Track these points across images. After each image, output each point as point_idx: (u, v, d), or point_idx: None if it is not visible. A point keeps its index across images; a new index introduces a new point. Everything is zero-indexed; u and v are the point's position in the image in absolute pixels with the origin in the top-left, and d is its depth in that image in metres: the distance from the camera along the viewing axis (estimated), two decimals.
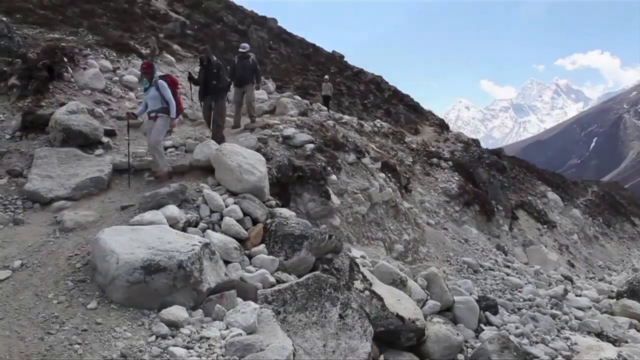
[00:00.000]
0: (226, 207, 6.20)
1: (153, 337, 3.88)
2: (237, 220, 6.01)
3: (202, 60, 9.01)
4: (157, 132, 6.98)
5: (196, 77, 9.31)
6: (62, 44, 11.06)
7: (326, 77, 21.14)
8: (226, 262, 5.29)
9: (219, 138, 8.47)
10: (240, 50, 10.57)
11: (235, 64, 10.32)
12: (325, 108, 16.74)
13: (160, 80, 7.00)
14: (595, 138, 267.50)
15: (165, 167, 7.01)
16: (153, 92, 6.97)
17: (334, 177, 9.80)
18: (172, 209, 5.71)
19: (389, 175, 12.39)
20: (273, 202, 7.09)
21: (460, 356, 6.76)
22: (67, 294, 4.31)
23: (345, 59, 32.72)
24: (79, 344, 3.69)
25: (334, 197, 9.26)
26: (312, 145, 9.68)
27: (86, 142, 7.82)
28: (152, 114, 7.03)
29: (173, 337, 3.92)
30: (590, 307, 10.63)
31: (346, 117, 16.03)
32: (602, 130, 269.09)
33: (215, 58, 9.09)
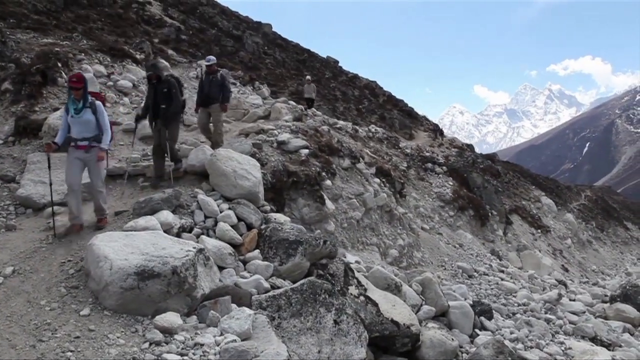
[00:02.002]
0: (221, 212, 6.18)
1: (147, 344, 3.85)
2: (232, 226, 5.99)
3: (149, 78, 7.47)
4: (98, 171, 5.76)
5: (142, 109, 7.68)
6: (56, 49, 11.05)
7: (308, 77, 19.07)
8: (220, 268, 5.27)
9: (160, 172, 7.22)
10: (205, 63, 9.19)
11: (202, 80, 9.04)
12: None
13: (98, 102, 5.74)
14: (588, 143, 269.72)
15: (106, 212, 5.87)
16: (88, 116, 5.61)
17: (328, 182, 9.81)
18: (167, 215, 5.69)
19: (384, 180, 12.41)
20: (268, 208, 7.08)
21: None
22: (59, 300, 4.27)
23: (339, 64, 32.85)
24: (71, 351, 3.65)
25: (328, 203, 9.26)
26: (306, 151, 9.69)
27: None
28: (83, 143, 5.62)
29: (167, 343, 3.89)
30: (584, 312, 10.67)
31: (341, 122, 16.06)
32: (595, 135, 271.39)
33: (167, 74, 7.83)
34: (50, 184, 5.85)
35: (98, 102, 5.72)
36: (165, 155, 7.28)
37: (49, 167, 5.77)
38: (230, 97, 9.45)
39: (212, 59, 9.06)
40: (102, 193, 5.78)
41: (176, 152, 7.69)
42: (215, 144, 8.58)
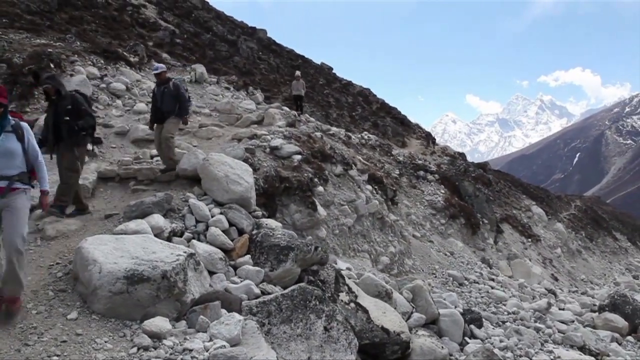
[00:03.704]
0: (212, 217, 6.15)
1: (135, 349, 3.81)
2: (223, 231, 5.97)
3: (47, 92, 6.11)
4: (19, 222, 3.95)
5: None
6: (49, 50, 10.99)
7: (298, 73, 18.17)
8: (211, 273, 5.24)
9: (64, 204, 5.93)
10: (153, 72, 7.82)
11: (154, 92, 7.70)
12: (296, 112, 15.53)
13: (24, 124, 4.15)
14: (578, 153, 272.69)
15: (22, 290, 4.04)
16: (9, 144, 3.96)
17: (320, 188, 9.81)
18: (157, 219, 5.65)
19: (376, 187, 12.43)
20: (259, 213, 7.06)
21: None
22: (46, 303, 4.22)
23: (334, 71, 32.98)
24: (57, 355, 3.60)
25: (320, 209, 9.26)
26: (299, 157, 9.69)
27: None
28: (2, 184, 3.93)
29: (155, 348, 3.86)
30: (573, 321, 10.74)
31: (334, 129, 16.10)
32: (585, 145, 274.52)
33: (72, 90, 6.49)
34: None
35: (24, 124, 4.11)
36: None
37: None
38: (190, 108, 7.98)
39: (161, 66, 7.74)
40: (22, 256, 3.89)
41: (74, 189, 6.11)
42: (167, 162, 7.41)
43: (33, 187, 4.18)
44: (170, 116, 7.48)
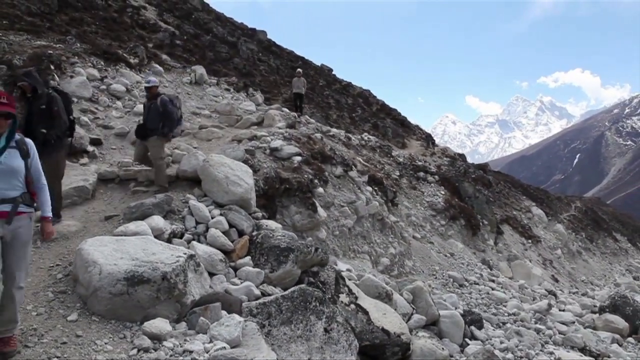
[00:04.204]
0: (212, 218, 6.15)
1: (135, 351, 3.80)
2: (223, 232, 5.97)
3: (23, 89, 5.68)
4: (23, 254, 3.64)
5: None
6: (49, 52, 11.00)
7: (299, 70, 18.06)
8: (211, 274, 5.24)
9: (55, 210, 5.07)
10: (144, 85, 7.52)
11: (144, 107, 7.39)
12: (297, 112, 15.44)
13: (29, 140, 3.71)
14: (578, 154, 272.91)
15: (17, 325, 3.66)
16: (14, 161, 3.53)
17: (320, 189, 9.81)
18: (157, 220, 5.65)
19: (376, 188, 12.43)
20: (259, 214, 7.06)
21: None
22: (46, 305, 4.22)
23: (333, 72, 32.99)
24: (57, 357, 3.60)
25: (320, 210, 9.26)
26: (299, 158, 9.69)
27: (71, 151, 7.71)
28: (2, 208, 3.49)
29: (155, 350, 3.85)
30: (573, 322, 10.73)
31: (334, 130, 16.10)
32: (585, 146, 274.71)
33: (49, 88, 5.91)
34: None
35: (29, 140, 3.70)
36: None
37: None
38: (178, 128, 7.41)
39: (153, 80, 7.31)
40: (21, 290, 3.65)
41: (59, 198, 5.73)
42: (158, 183, 6.98)
43: (36, 209, 3.76)
44: (153, 134, 7.04)
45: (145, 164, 7.42)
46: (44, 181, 3.78)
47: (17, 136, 3.60)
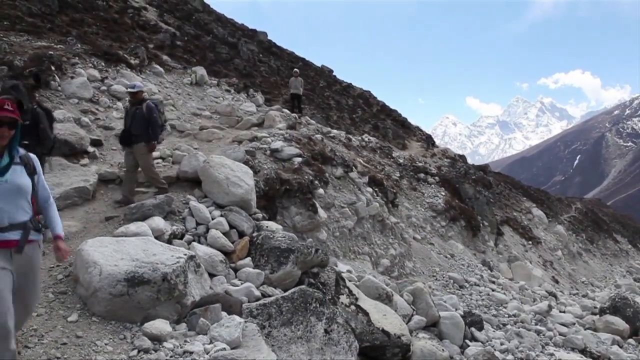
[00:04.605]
0: (212, 219, 6.15)
1: (135, 352, 3.80)
2: (223, 233, 5.97)
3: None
4: (36, 285, 3.31)
5: None
6: (50, 52, 11.01)
7: (296, 70, 17.67)
8: (211, 275, 5.24)
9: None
10: (128, 89, 7.30)
11: (127, 112, 7.13)
12: (296, 112, 15.28)
13: (32, 155, 3.27)
14: (579, 156, 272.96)
15: None
16: (19, 179, 3.06)
17: (321, 190, 9.81)
18: (158, 221, 5.65)
19: (376, 189, 12.44)
20: (260, 215, 7.06)
21: None
22: (47, 306, 4.22)
23: (334, 73, 33.01)
24: (57, 357, 3.60)
25: (320, 211, 9.26)
26: (299, 159, 9.70)
27: (72, 152, 7.73)
28: (11, 236, 3.02)
29: (156, 351, 3.85)
30: (574, 323, 10.72)
31: (334, 131, 16.11)
32: (585, 148, 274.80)
33: (35, 104, 5.62)
34: None
35: (32, 155, 3.26)
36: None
37: None
38: (163, 134, 7.31)
39: (138, 85, 7.13)
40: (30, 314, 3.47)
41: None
42: (157, 185, 6.94)
43: (43, 235, 3.32)
44: (139, 140, 6.82)
45: (130, 181, 7.05)
46: (52, 199, 3.42)
47: (22, 150, 3.19)
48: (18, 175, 3.05)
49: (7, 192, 2.99)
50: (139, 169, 6.98)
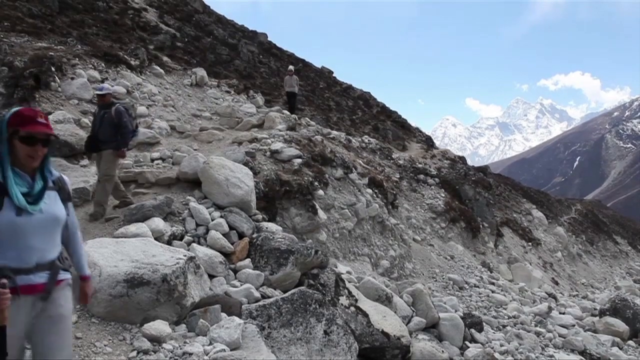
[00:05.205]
0: (212, 220, 6.15)
1: (134, 353, 3.80)
2: (223, 234, 5.97)
3: None
4: (65, 340, 2.48)
5: None
6: (50, 53, 11.01)
7: (291, 67, 17.11)
8: (211, 276, 5.24)
9: None
10: (96, 92, 6.88)
11: (94, 116, 6.74)
12: (290, 112, 15.00)
13: (65, 177, 2.64)
14: (579, 157, 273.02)
15: None
16: (53, 209, 2.42)
17: (321, 192, 9.81)
18: (158, 222, 5.65)
19: (376, 191, 12.43)
20: (259, 217, 7.06)
21: None
22: None
23: (334, 75, 33.03)
24: None
25: (320, 212, 9.26)
26: (299, 160, 9.70)
27: (72, 153, 7.74)
28: (39, 278, 2.34)
29: (155, 352, 3.85)
30: (573, 325, 10.72)
31: (334, 132, 16.11)
32: (585, 149, 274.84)
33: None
34: None
35: (65, 177, 2.65)
36: None
37: None
38: (133, 139, 6.93)
39: (106, 87, 6.77)
40: None
41: None
42: (96, 208, 6.33)
43: (70, 273, 2.62)
44: (106, 147, 6.42)
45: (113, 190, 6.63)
46: (79, 231, 2.83)
47: (55, 173, 2.54)
48: (53, 203, 2.43)
49: (42, 225, 2.34)
50: (117, 171, 6.63)
